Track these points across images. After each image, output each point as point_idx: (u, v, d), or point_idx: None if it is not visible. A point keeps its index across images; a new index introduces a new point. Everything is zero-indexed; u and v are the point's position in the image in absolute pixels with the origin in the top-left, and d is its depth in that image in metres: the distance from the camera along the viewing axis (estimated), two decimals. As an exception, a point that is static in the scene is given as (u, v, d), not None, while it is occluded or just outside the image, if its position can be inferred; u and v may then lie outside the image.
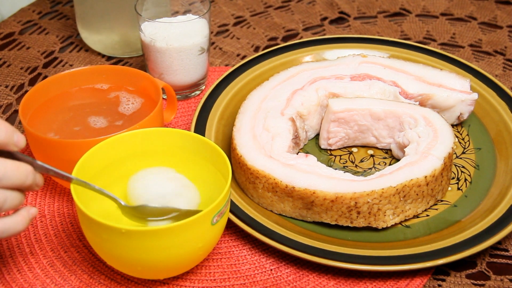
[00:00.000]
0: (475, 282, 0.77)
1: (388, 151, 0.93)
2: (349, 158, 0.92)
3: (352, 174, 0.83)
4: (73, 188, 0.70)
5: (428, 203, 0.83)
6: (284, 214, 0.83)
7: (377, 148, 0.94)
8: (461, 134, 0.96)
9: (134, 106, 0.88)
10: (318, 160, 0.84)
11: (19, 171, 0.66)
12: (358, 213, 0.78)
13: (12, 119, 1.02)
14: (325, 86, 0.94)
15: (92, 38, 1.13)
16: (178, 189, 0.76)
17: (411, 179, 0.79)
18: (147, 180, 0.76)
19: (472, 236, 0.77)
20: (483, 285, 0.76)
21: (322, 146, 0.93)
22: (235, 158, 0.86)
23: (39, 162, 0.69)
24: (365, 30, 1.24)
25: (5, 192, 0.66)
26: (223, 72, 1.07)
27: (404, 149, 0.86)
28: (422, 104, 0.94)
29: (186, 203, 0.75)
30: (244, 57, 1.16)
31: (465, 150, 0.93)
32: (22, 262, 0.78)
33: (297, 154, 0.88)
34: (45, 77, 1.11)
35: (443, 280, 0.77)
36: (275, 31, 1.24)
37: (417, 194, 0.80)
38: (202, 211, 0.68)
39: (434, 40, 1.22)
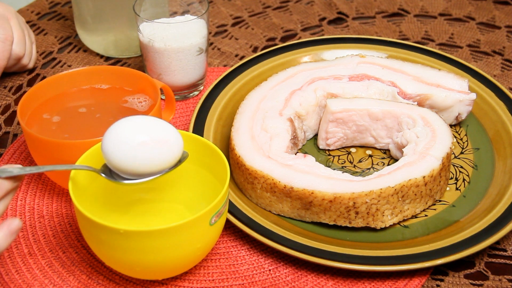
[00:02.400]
0: (474, 282, 0.77)
1: (386, 151, 0.93)
2: (347, 158, 0.92)
3: (351, 174, 0.83)
4: (72, 188, 0.70)
5: (426, 203, 0.83)
6: (282, 214, 0.83)
7: (375, 148, 0.94)
8: (459, 134, 0.96)
9: (133, 107, 0.88)
10: (316, 161, 0.84)
11: None
12: (357, 213, 0.78)
13: (10, 120, 1.01)
14: (323, 86, 0.94)
15: (90, 38, 1.13)
16: (155, 148, 0.70)
17: (410, 179, 0.79)
18: (119, 144, 0.69)
19: (470, 236, 0.77)
20: (481, 285, 0.76)
21: (321, 147, 0.93)
22: (233, 158, 0.86)
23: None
24: (364, 31, 1.24)
25: None
26: (221, 73, 1.07)
27: (402, 149, 0.86)
28: (420, 104, 0.94)
29: (164, 160, 0.71)
30: (242, 57, 1.16)
31: (464, 150, 0.93)
32: (20, 262, 0.78)
33: (295, 154, 0.88)
34: (44, 77, 1.11)
35: (442, 280, 0.77)
36: (273, 32, 1.23)
37: (415, 194, 0.80)
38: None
39: (433, 40, 1.22)
